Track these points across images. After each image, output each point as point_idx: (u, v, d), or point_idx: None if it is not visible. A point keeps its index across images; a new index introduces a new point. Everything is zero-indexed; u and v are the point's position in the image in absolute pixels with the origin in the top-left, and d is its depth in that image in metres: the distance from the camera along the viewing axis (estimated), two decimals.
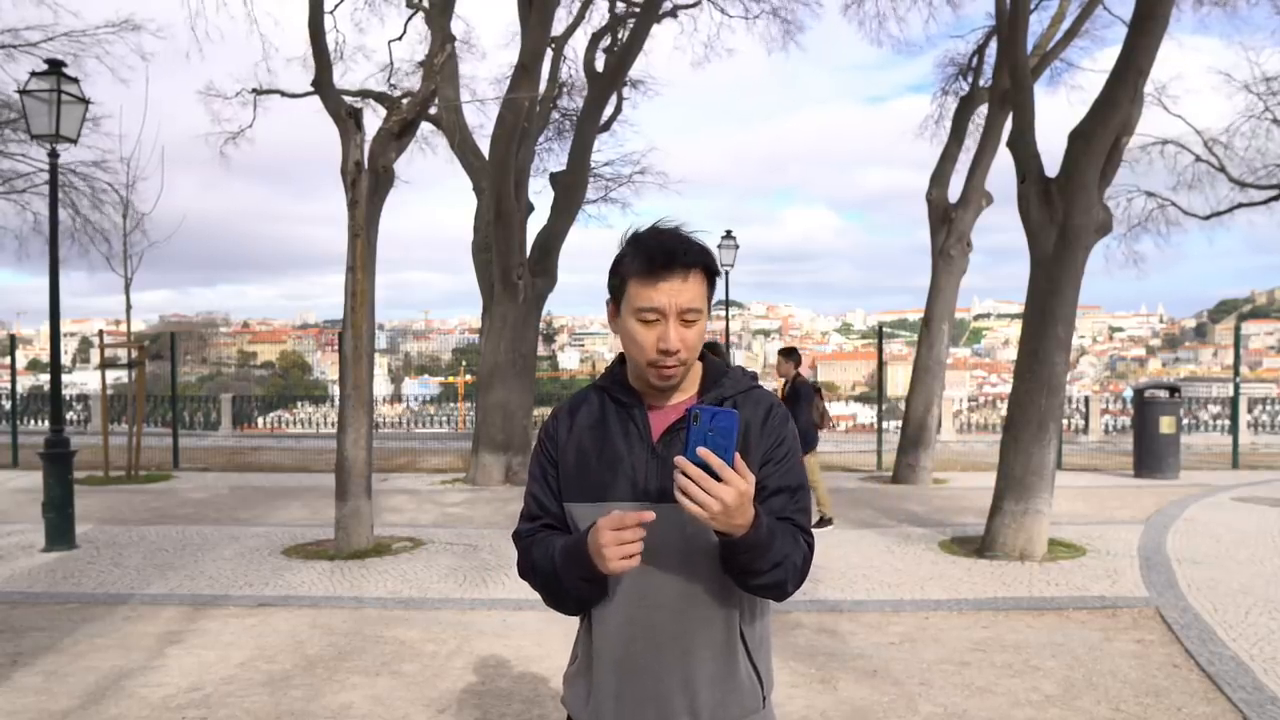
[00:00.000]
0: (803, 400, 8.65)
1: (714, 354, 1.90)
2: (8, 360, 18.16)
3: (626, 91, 16.16)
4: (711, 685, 1.69)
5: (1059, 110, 12.44)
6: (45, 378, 19.54)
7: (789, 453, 1.72)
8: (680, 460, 1.47)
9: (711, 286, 1.71)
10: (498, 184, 12.09)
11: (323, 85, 8.59)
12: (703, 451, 1.45)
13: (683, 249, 1.65)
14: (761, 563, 1.57)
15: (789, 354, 9.11)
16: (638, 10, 13.76)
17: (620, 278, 1.69)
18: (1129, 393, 22.18)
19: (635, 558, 1.55)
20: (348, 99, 9.43)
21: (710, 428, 1.47)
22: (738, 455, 1.47)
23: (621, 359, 1.80)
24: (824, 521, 8.96)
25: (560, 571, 1.68)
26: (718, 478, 1.45)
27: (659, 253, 1.64)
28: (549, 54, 13.82)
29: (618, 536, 1.53)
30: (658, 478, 1.65)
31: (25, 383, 34.37)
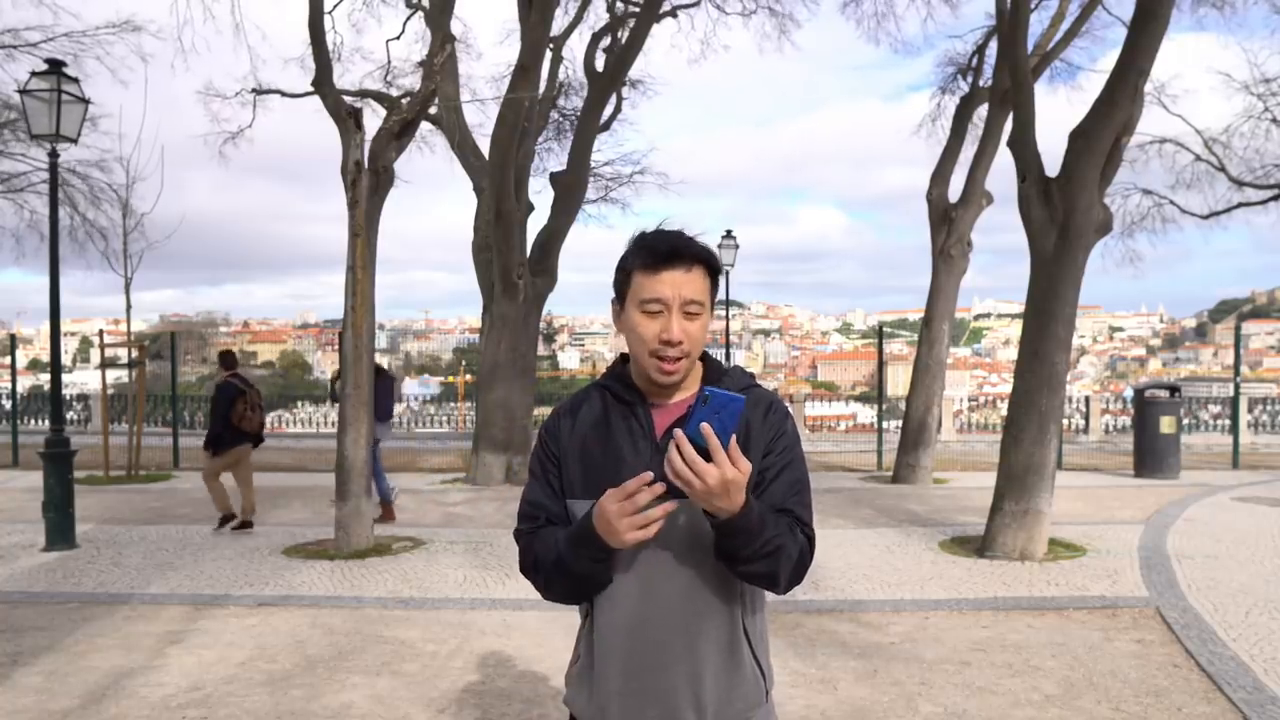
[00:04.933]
0: (220, 401, 9.15)
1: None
2: (8, 360, 18.14)
3: (626, 91, 16.13)
4: (717, 679, 1.69)
5: (1059, 110, 12.41)
6: (45, 377, 19.54)
7: (788, 446, 1.75)
8: (678, 433, 1.50)
9: (714, 286, 1.75)
10: (498, 184, 12.09)
11: (323, 85, 8.59)
12: (704, 428, 1.48)
13: (686, 243, 1.71)
14: (750, 548, 1.57)
15: (223, 357, 9.80)
16: (637, 10, 13.76)
17: (625, 273, 1.73)
18: (1129, 392, 22.18)
19: (651, 527, 1.55)
20: (348, 99, 9.42)
21: (716, 410, 1.49)
22: (734, 442, 1.49)
23: (624, 358, 1.81)
24: (226, 520, 9.10)
25: (566, 555, 1.67)
26: (709, 459, 1.47)
27: (663, 245, 1.70)
28: (548, 54, 13.82)
29: (623, 508, 1.54)
30: (661, 475, 1.65)
31: (25, 382, 34.36)
